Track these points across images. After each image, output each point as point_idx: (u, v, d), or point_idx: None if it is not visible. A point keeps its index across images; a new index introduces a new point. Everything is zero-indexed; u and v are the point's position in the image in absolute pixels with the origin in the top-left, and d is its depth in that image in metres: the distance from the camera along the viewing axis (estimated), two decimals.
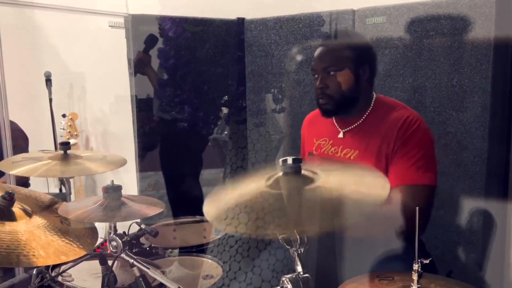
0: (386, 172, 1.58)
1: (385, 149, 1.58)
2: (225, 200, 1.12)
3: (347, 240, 1.63)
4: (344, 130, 1.69)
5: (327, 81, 1.62)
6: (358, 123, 1.66)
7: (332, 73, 1.62)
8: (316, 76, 1.66)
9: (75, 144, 3.20)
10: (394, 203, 1.48)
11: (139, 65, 2.59)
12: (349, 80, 1.62)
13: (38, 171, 1.50)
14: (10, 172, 1.60)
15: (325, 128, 1.77)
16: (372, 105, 1.66)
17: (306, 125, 1.89)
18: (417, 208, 1.05)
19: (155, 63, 2.62)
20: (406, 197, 1.50)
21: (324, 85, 1.63)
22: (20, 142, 2.93)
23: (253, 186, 1.11)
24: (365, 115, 1.66)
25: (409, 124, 1.58)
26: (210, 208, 1.11)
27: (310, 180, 1.06)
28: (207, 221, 2.07)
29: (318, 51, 1.69)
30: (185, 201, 2.15)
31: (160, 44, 2.63)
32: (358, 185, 1.07)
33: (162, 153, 2.75)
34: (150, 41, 2.57)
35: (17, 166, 1.54)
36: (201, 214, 2.13)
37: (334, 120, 1.73)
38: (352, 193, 1.03)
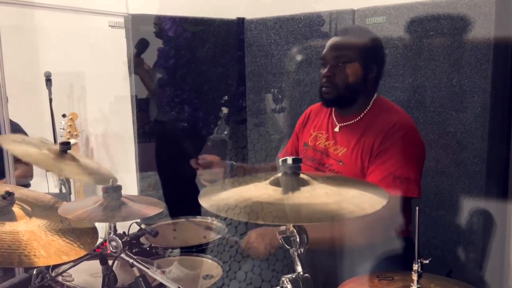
0: (364, 175, 1.57)
1: (370, 150, 1.57)
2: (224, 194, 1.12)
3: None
4: (341, 125, 1.70)
5: (336, 70, 1.63)
6: (355, 120, 1.67)
7: (341, 64, 1.62)
8: (324, 64, 1.66)
9: (75, 144, 3.19)
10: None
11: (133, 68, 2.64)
12: (357, 73, 1.62)
13: (32, 157, 1.48)
14: (5, 146, 1.57)
15: (324, 121, 1.77)
16: (370, 105, 1.66)
17: (309, 113, 1.88)
18: (417, 208, 1.05)
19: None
20: None
21: (331, 74, 1.63)
22: None
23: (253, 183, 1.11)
24: (362, 114, 1.66)
25: (397, 130, 1.55)
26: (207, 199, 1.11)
27: (306, 183, 1.06)
28: (207, 221, 2.08)
29: (331, 40, 1.69)
30: (181, 202, 2.16)
31: (160, 44, 2.63)
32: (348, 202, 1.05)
33: (160, 154, 2.75)
34: (141, 45, 2.59)
35: (14, 145, 1.53)
36: (200, 214, 2.14)
37: (333, 114, 1.74)
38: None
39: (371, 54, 1.66)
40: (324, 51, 1.68)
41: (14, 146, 1.53)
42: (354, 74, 1.62)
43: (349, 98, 1.66)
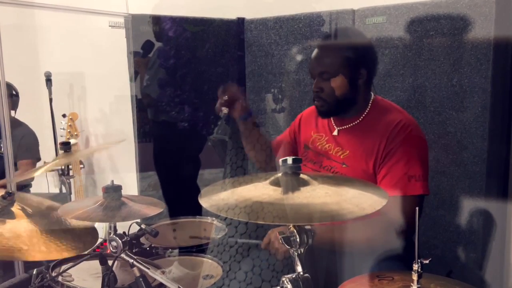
0: (372, 175, 1.57)
1: (375, 152, 1.56)
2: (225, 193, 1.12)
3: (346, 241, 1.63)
4: (339, 128, 1.69)
5: (322, 85, 1.62)
6: (354, 123, 1.66)
7: (326, 79, 1.61)
8: (312, 77, 1.66)
9: (75, 144, 3.19)
10: (384, 214, 1.47)
11: (137, 69, 2.67)
12: (343, 85, 1.60)
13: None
14: None
15: (322, 123, 1.77)
16: (369, 106, 1.65)
17: (307, 115, 1.87)
18: (416, 209, 1.05)
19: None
20: (396, 208, 1.49)
21: (318, 89, 1.63)
22: (35, 148, 2.98)
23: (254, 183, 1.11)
24: (362, 117, 1.65)
25: (401, 129, 1.55)
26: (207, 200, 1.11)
27: (306, 183, 1.06)
28: (207, 220, 2.08)
29: (314, 54, 1.68)
30: (181, 202, 2.15)
31: (160, 44, 2.63)
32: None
33: (160, 154, 2.75)
34: (147, 46, 2.63)
35: None
36: (201, 214, 2.14)
37: (331, 117, 1.74)
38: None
39: (356, 61, 1.62)
40: (310, 65, 1.68)
41: None
42: (341, 87, 1.60)
43: (342, 108, 1.65)
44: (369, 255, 1.54)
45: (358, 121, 1.65)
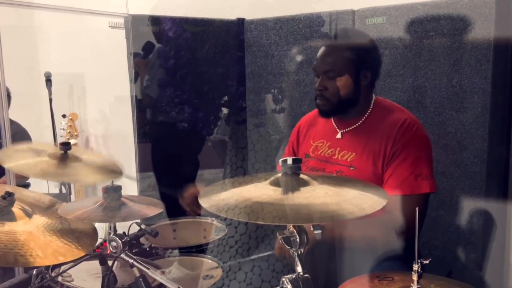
0: (381, 175, 1.57)
1: (382, 152, 1.56)
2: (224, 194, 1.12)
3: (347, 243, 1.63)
4: (342, 131, 1.69)
5: (326, 84, 1.62)
6: (357, 124, 1.66)
7: (331, 78, 1.61)
8: (317, 76, 1.66)
9: (75, 144, 3.19)
10: (392, 213, 1.47)
11: (137, 70, 2.68)
12: (348, 85, 1.60)
13: (33, 171, 1.48)
14: (5, 165, 1.56)
15: (323, 129, 1.76)
16: (371, 107, 1.66)
17: (304, 125, 1.87)
18: (416, 209, 1.05)
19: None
20: (404, 207, 1.50)
21: (322, 88, 1.62)
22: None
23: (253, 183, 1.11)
24: (364, 117, 1.65)
25: (406, 128, 1.56)
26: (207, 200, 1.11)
27: (306, 183, 1.06)
28: (206, 220, 2.08)
29: (320, 52, 1.68)
30: (180, 204, 2.15)
31: (160, 44, 2.63)
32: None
33: (158, 155, 2.75)
34: (148, 48, 2.64)
35: (15, 158, 1.53)
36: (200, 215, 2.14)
37: (332, 121, 1.73)
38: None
39: (362, 63, 1.63)
40: (315, 63, 1.67)
41: (15, 160, 1.52)
42: (346, 87, 1.61)
43: (344, 108, 1.65)
44: (374, 254, 1.54)
45: (361, 121, 1.65)
